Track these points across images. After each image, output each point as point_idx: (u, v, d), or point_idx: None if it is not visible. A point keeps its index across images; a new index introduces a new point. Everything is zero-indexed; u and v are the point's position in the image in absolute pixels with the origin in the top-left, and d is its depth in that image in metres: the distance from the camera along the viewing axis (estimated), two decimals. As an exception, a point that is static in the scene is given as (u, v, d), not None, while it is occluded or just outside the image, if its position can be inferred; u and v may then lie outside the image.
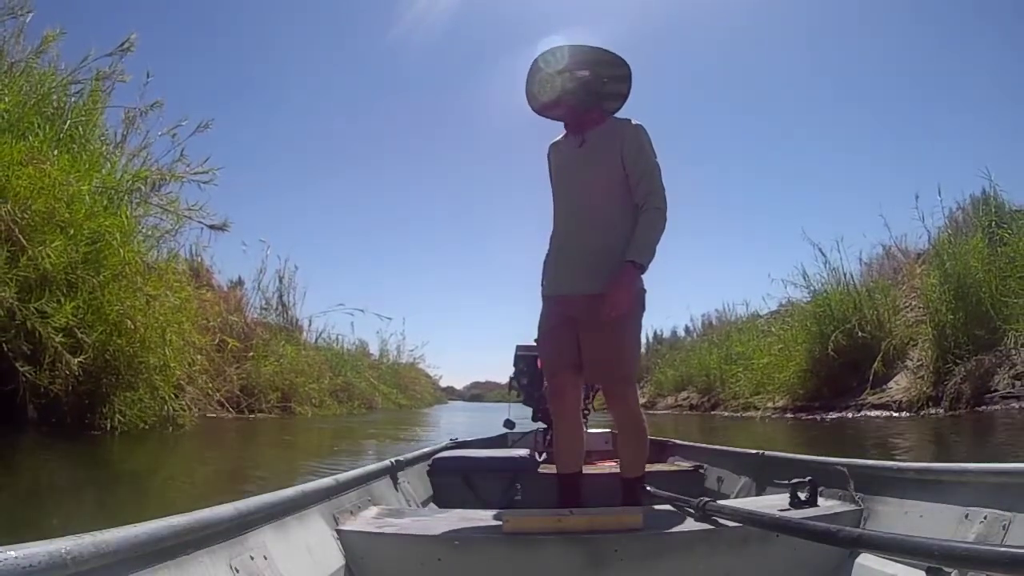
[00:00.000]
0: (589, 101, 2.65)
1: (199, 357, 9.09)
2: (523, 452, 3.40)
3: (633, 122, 2.62)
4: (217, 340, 10.96)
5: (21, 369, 6.01)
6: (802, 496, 1.95)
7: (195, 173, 9.63)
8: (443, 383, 46.44)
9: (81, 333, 6.43)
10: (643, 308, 2.59)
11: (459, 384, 77.27)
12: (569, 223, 2.66)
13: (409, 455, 3.15)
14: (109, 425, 6.85)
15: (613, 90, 2.69)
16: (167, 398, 7.80)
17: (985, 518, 1.60)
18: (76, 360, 6.28)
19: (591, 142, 2.62)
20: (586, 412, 3.91)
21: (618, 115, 2.72)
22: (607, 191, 2.55)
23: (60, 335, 6.17)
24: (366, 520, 1.92)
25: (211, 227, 10.42)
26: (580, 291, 2.51)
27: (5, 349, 5.97)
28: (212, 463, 6.44)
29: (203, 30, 49.44)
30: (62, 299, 6.29)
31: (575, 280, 2.53)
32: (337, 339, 21.56)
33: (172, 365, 7.83)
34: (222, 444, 8.31)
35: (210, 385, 10.43)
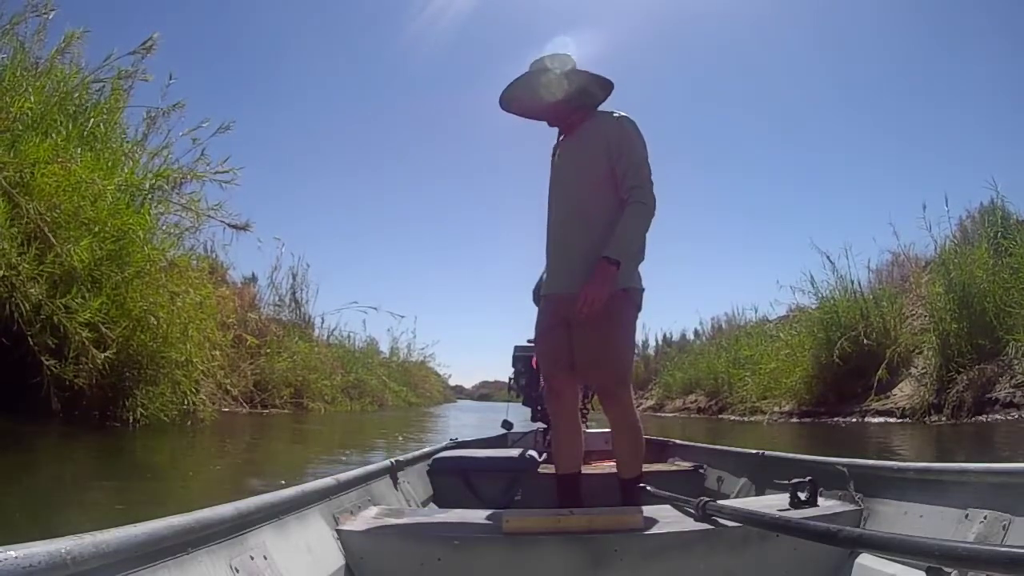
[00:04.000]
0: (573, 100, 2.59)
1: (216, 353, 9.23)
2: (523, 452, 3.38)
3: (617, 114, 2.55)
4: (232, 336, 11.09)
5: (46, 363, 6.16)
6: (802, 496, 1.94)
7: (216, 173, 9.75)
8: (452, 382, 46.59)
9: (105, 328, 6.57)
10: (637, 308, 2.52)
11: (468, 383, 76.81)
12: (559, 223, 2.61)
13: (409, 455, 3.15)
14: (131, 419, 7.02)
15: (595, 92, 2.63)
16: (188, 393, 7.95)
17: (985, 518, 1.60)
18: (102, 355, 6.43)
19: (577, 140, 2.60)
20: (585, 412, 3.94)
21: (603, 108, 2.64)
22: (594, 188, 2.49)
23: (85, 330, 6.33)
24: (366, 520, 1.92)
25: (233, 227, 10.52)
26: (570, 290, 2.42)
27: (31, 343, 6.12)
28: (234, 456, 6.59)
29: (218, 29, 49.70)
30: (86, 295, 6.44)
31: (566, 279, 2.48)
32: (349, 336, 21.82)
33: (194, 361, 7.98)
34: (241, 438, 8.44)
35: (227, 381, 10.60)
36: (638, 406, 2.65)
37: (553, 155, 2.74)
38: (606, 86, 2.61)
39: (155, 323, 7.25)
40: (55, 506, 3.35)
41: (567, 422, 2.65)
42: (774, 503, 1.98)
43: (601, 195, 2.49)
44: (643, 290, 2.54)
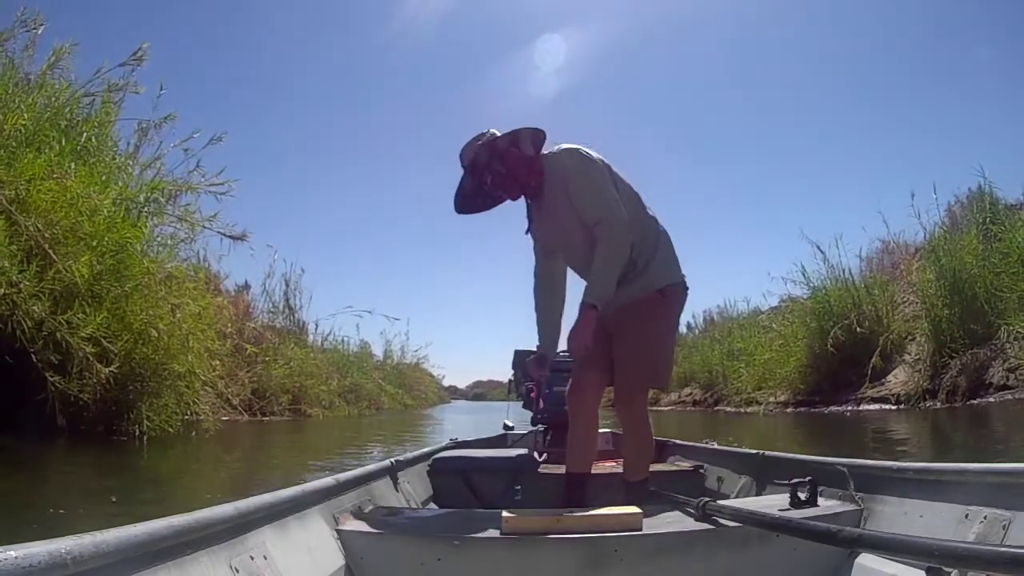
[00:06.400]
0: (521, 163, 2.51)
1: (216, 363, 9.25)
2: (523, 452, 3.38)
3: (557, 148, 2.51)
4: (228, 345, 11.07)
5: (50, 379, 6.20)
6: (802, 496, 1.94)
7: (211, 184, 9.79)
8: (446, 382, 46.47)
9: (107, 342, 6.59)
10: (678, 304, 2.58)
11: (461, 383, 76.83)
12: (578, 270, 2.60)
13: (409, 455, 3.16)
14: (137, 432, 7.06)
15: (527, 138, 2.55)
16: (191, 403, 8.00)
17: (985, 518, 1.60)
18: (106, 369, 6.47)
19: (547, 196, 2.53)
20: None
21: (547, 150, 2.56)
22: (582, 231, 2.43)
23: (88, 345, 6.36)
24: (366, 520, 1.91)
25: (230, 237, 10.56)
26: (607, 308, 2.45)
27: (34, 360, 6.15)
28: (243, 466, 6.62)
29: (206, 33, 49.50)
30: (88, 310, 6.47)
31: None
32: (343, 341, 21.75)
33: (196, 371, 8.01)
34: (245, 447, 8.49)
35: (227, 390, 10.64)
36: None
37: (529, 228, 2.68)
38: (537, 133, 2.57)
39: (156, 335, 7.28)
40: (65, 526, 3.36)
41: (584, 421, 2.63)
42: (774, 503, 1.99)
43: (587, 232, 2.42)
44: (678, 283, 2.59)
